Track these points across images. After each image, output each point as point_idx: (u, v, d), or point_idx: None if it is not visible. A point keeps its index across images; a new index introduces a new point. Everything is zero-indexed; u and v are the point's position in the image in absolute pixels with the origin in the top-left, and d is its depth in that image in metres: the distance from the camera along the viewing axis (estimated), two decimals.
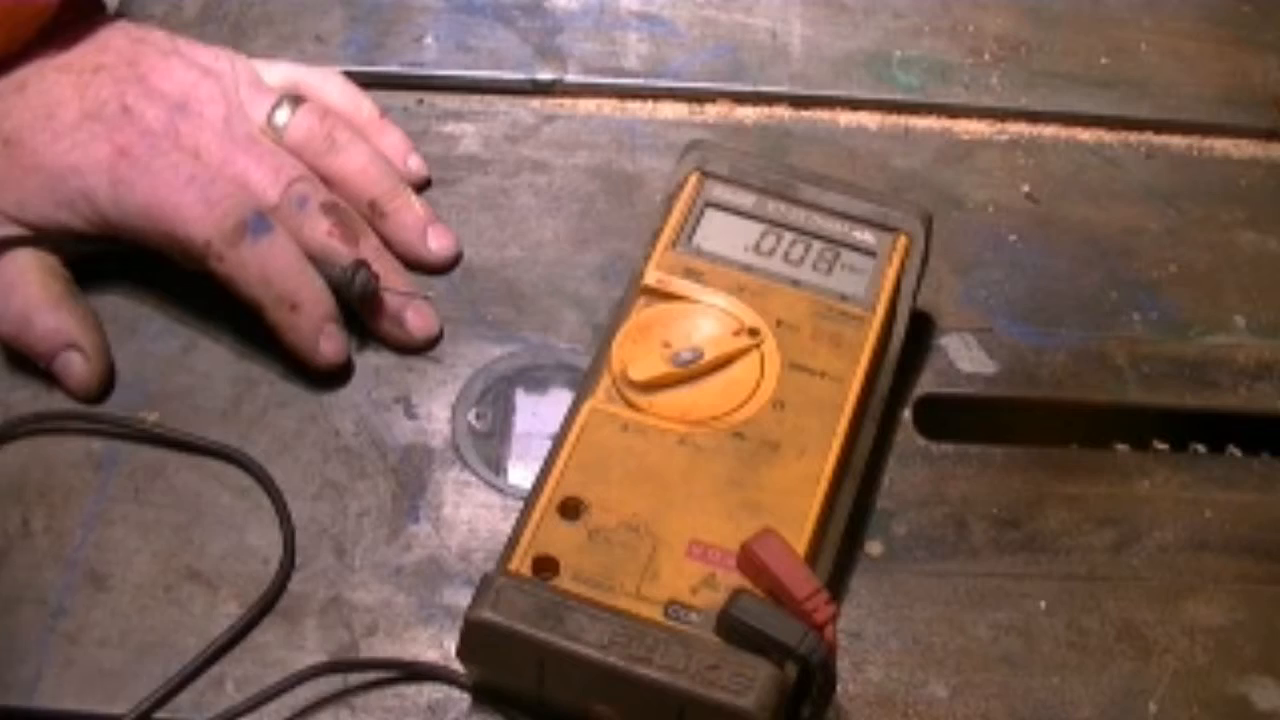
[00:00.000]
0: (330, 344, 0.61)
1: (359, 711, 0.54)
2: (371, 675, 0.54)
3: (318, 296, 0.61)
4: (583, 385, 0.58)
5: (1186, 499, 0.62)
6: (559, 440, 0.56)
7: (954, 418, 0.64)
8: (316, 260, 0.62)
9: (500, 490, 0.60)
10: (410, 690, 0.54)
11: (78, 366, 0.61)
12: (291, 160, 0.64)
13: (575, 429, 0.55)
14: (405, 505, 0.59)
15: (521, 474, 0.60)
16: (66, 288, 0.62)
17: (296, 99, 0.66)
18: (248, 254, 0.60)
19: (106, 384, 0.61)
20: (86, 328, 0.61)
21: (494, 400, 0.63)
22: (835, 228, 0.62)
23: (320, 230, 0.62)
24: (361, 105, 0.69)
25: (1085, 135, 0.74)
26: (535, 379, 0.63)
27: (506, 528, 0.55)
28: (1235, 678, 0.57)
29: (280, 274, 0.60)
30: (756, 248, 0.61)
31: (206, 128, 0.63)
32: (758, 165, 0.63)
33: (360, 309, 0.63)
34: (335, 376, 0.62)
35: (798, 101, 0.74)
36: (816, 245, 0.61)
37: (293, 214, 0.62)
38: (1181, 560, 0.60)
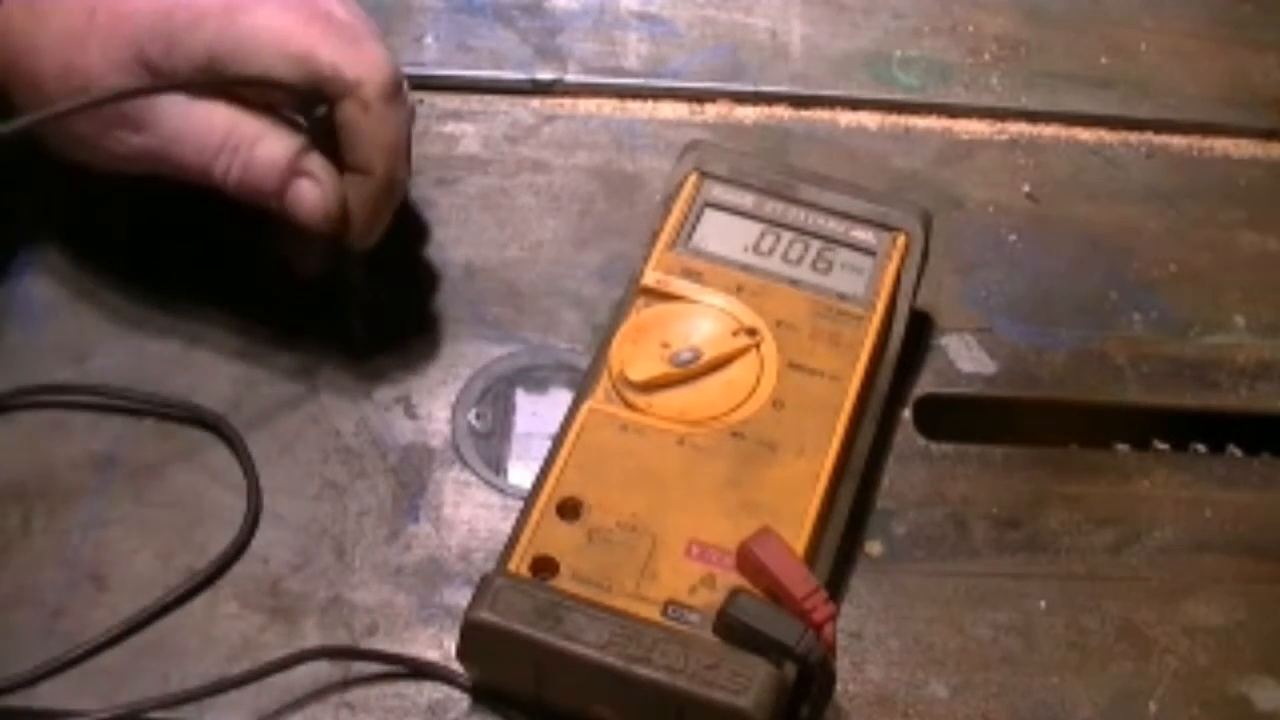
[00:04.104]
0: (381, 227, 0.59)
1: (359, 711, 0.54)
2: (371, 670, 0.54)
3: (403, 190, 0.60)
4: (582, 385, 0.58)
5: (1186, 499, 0.62)
6: (558, 440, 0.56)
7: (954, 418, 0.64)
8: None
9: (500, 490, 0.60)
10: (410, 690, 0.54)
11: (310, 193, 0.57)
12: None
13: (574, 429, 0.55)
14: (405, 505, 0.59)
15: (521, 474, 0.60)
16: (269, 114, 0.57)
17: None
18: (394, 116, 0.57)
19: (344, 210, 0.58)
20: (306, 153, 0.57)
21: (494, 400, 0.63)
22: (834, 227, 0.61)
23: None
24: None
25: (1085, 135, 0.74)
26: (535, 379, 0.63)
27: (506, 528, 0.55)
28: (1235, 678, 0.57)
29: (403, 149, 0.59)
30: (755, 248, 0.61)
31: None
32: (757, 165, 0.63)
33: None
34: (334, 377, 0.62)
35: (797, 101, 0.74)
36: (815, 245, 0.61)
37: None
38: (1181, 560, 0.60)
